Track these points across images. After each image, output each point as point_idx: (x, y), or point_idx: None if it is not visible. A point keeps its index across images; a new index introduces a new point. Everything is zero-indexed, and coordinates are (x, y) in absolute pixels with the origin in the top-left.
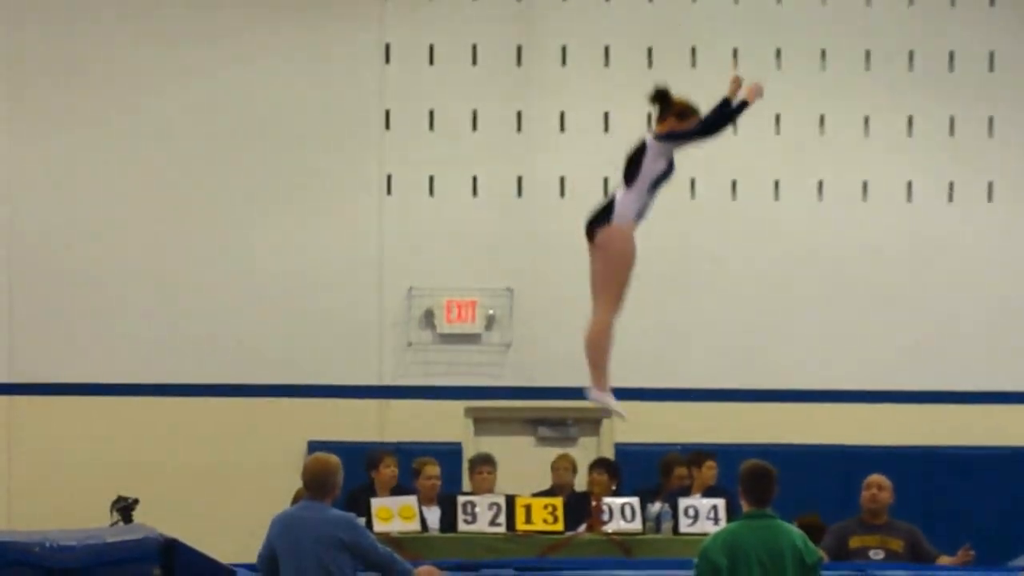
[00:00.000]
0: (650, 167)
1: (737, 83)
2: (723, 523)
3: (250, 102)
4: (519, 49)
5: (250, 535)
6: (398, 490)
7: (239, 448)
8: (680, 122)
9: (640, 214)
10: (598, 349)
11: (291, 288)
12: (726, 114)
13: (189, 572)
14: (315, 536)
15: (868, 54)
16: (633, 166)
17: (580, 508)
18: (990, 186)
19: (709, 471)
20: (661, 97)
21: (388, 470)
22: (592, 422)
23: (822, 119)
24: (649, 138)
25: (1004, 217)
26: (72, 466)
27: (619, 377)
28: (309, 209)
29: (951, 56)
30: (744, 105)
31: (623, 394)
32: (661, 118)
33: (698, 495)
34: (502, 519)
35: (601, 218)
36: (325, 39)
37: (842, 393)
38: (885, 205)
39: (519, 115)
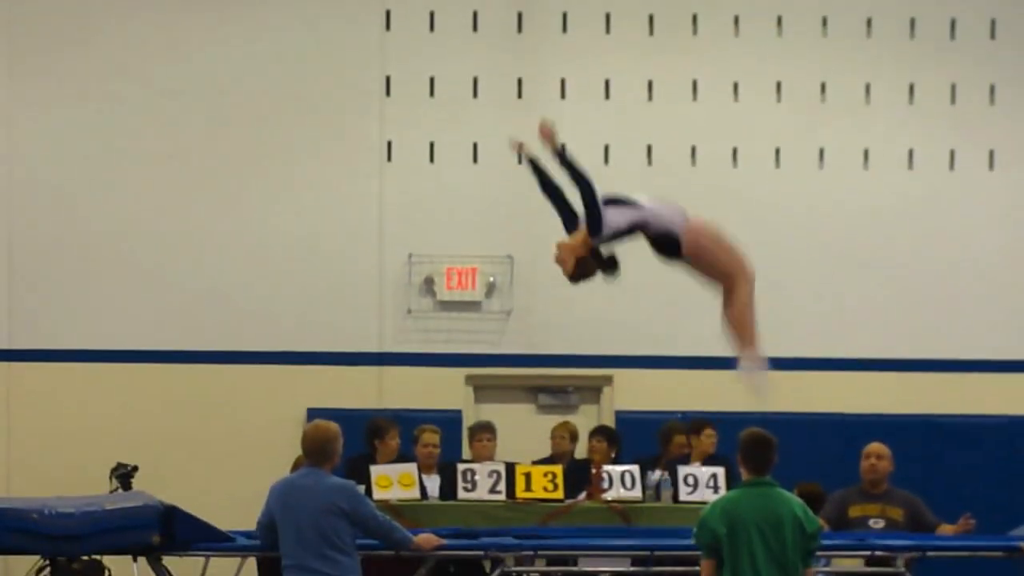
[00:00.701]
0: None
1: (544, 134)
2: (723, 491)
3: (251, 68)
4: (520, 16)
5: (249, 502)
6: (398, 458)
7: (238, 415)
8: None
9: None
10: (746, 319)
11: (291, 254)
12: (568, 168)
13: (188, 539)
14: (314, 503)
15: (869, 21)
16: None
17: (580, 476)
18: (991, 154)
19: (708, 439)
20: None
21: (394, 442)
22: (592, 390)
23: (823, 86)
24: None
25: (1005, 185)
26: (71, 433)
27: (618, 345)
28: (309, 175)
29: (952, 23)
30: (562, 150)
31: (624, 362)
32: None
33: (698, 463)
34: (502, 487)
35: (661, 238)
36: (326, 5)
37: (842, 361)
38: (886, 173)
39: (519, 82)
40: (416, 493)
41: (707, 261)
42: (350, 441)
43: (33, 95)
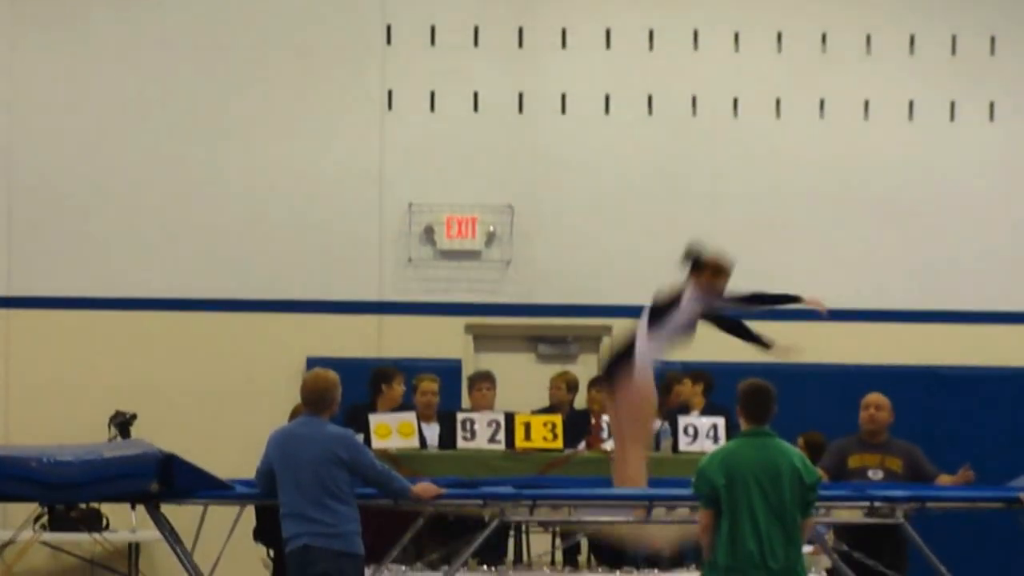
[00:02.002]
0: (679, 318)
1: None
2: (722, 442)
3: (251, 16)
4: None
5: (248, 450)
6: (398, 408)
7: (238, 363)
8: (714, 278)
9: (656, 362)
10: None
11: (292, 203)
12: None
13: (187, 487)
14: (313, 452)
15: None
16: (662, 311)
17: (579, 426)
18: (991, 105)
19: (683, 388)
20: (694, 257)
21: (400, 388)
22: (592, 339)
23: (824, 37)
24: (688, 292)
25: (1005, 136)
26: (70, 381)
27: (617, 294)
28: (310, 124)
29: None
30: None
31: (622, 311)
32: (695, 273)
33: (696, 413)
34: (501, 436)
35: (620, 361)
36: None
37: (842, 312)
38: (886, 124)
39: (520, 31)
40: (415, 442)
41: (625, 412)
42: (350, 389)
43: (34, 43)
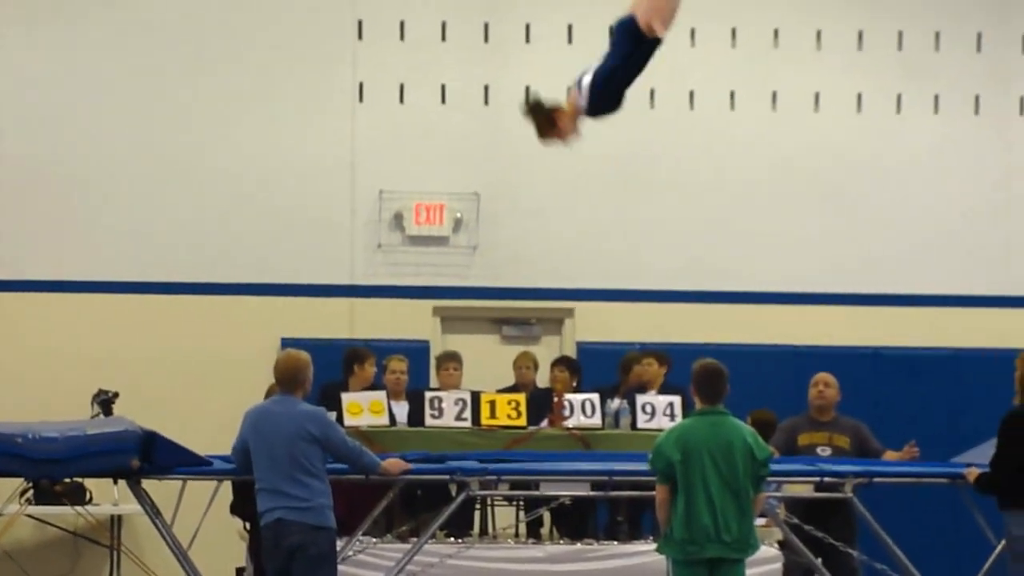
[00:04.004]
0: None
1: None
2: (679, 419)
3: (229, 12)
4: None
5: (225, 428)
6: (369, 388)
7: (215, 344)
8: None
9: None
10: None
11: (267, 190)
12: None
13: (167, 462)
14: (286, 429)
15: None
16: None
17: (542, 404)
18: (936, 98)
19: (648, 368)
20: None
21: (371, 369)
22: (554, 322)
23: (776, 33)
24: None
25: (949, 128)
26: (54, 360)
27: (580, 278)
28: (285, 115)
29: None
30: None
31: (585, 295)
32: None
33: (654, 392)
34: (468, 414)
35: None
36: None
37: (793, 295)
38: (836, 115)
39: (486, 27)
40: (385, 420)
41: None
42: (322, 370)
43: (14, 30)
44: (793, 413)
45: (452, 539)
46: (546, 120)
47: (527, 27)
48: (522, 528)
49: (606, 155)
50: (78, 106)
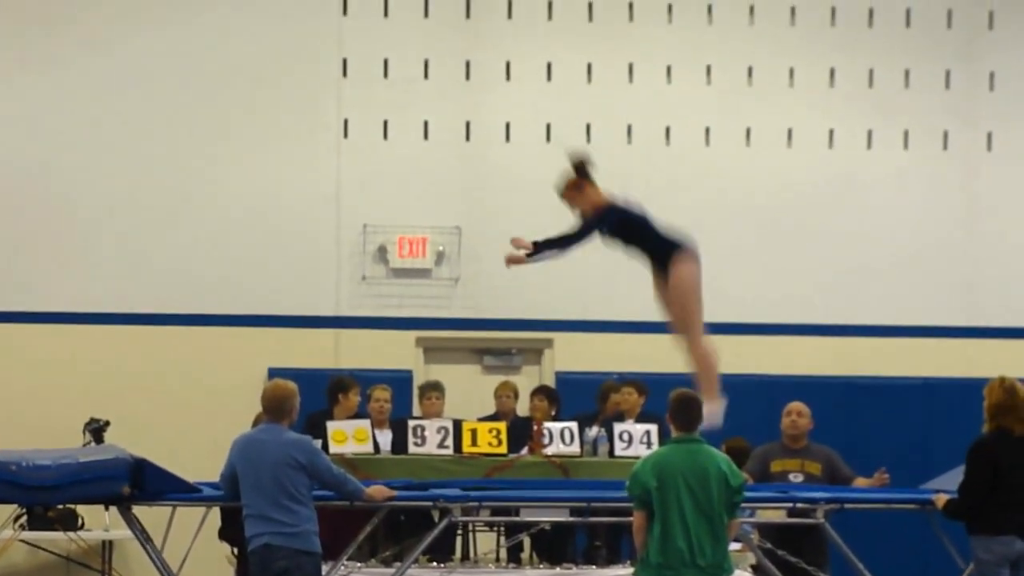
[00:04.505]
0: None
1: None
2: (655, 447)
3: (218, 49)
4: (468, 2)
5: (213, 455)
6: (353, 417)
7: (203, 374)
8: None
9: None
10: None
11: (254, 224)
12: (551, 249)
13: (157, 489)
14: (273, 457)
15: (793, 10)
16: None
17: (522, 432)
18: (906, 134)
19: (627, 397)
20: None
21: (356, 398)
22: (534, 352)
23: (750, 70)
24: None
25: (918, 163)
26: (47, 390)
27: (559, 310)
28: (272, 150)
29: (870, 12)
30: (535, 250)
31: (564, 326)
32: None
33: (631, 420)
34: (449, 442)
35: (665, 251)
36: None
37: (766, 326)
38: (808, 151)
39: (467, 65)
40: (369, 447)
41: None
42: (308, 399)
43: (6, 67)
44: (766, 441)
45: (435, 564)
46: (578, 181)
47: (508, 65)
48: (503, 553)
49: None
50: (70, 142)
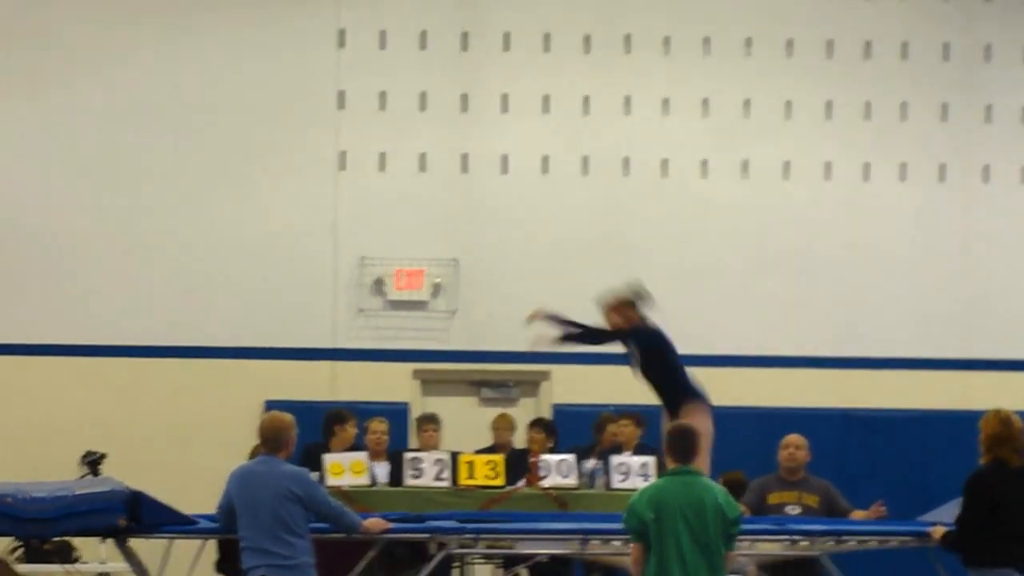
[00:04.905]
0: None
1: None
2: (653, 479)
3: (214, 81)
4: (465, 35)
5: (210, 488)
6: (350, 448)
7: (200, 406)
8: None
9: None
10: None
11: (251, 256)
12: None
13: (153, 521)
14: (270, 489)
15: (790, 43)
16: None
17: (519, 464)
18: (903, 166)
19: (624, 428)
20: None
21: (352, 429)
22: (531, 384)
23: (747, 103)
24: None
25: (915, 195)
26: (44, 422)
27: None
28: (269, 182)
29: (867, 45)
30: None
31: (561, 358)
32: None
33: (629, 452)
34: (446, 474)
35: (680, 393)
36: (285, 24)
37: (763, 358)
38: (806, 183)
39: (464, 97)
40: (366, 480)
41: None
42: (305, 431)
43: (8, 105)
44: (764, 473)
45: None
46: (627, 308)
47: (504, 97)
48: None
49: (581, 222)
50: (65, 175)
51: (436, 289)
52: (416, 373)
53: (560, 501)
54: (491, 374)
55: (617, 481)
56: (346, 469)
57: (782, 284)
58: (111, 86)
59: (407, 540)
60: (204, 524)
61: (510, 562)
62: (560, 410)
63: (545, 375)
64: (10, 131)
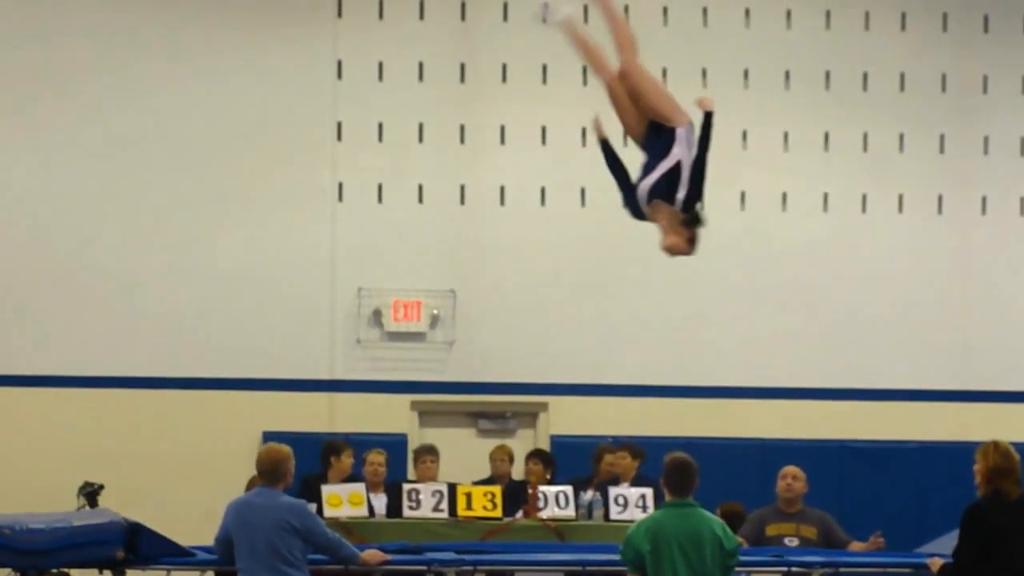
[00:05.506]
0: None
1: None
2: (651, 511)
3: (213, 113)
4: (462, 67)
5: (208, 519)
6: (348, 479)
7: (198, 437)
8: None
9: None
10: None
11: (249, 288)
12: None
13: (151, 553)
14: (268, 521)
15: (787, 74)
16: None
17: (517, 496)
18: (900, 198)
19: (622, 460)
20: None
21: (348, 460)
22: (529, 415)
23: (744, 134)
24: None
25: (913, 226)
26: (41, 453)
27: (554, 374)
28: (267, 214)
29: (865, 76)
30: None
31: (559, 389)
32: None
33: (627, 484)
34: (444, 505)
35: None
36: (282, 56)
37: (761, 390)
38: (803, 215)
39: (462, 128)
40: (364, 511)
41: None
42: (303, 462)
43: (4, 138)
44: (761, 505)
45: None
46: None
47: (502, 129)
48: None
49: (578, 253)
50: (65, 208)
51: (434, 320)
52: (414, 404)
53: (558, 532)
54: (489, 405)
55: (615, 512)
56: (344, 500)
57: (779, 316)
58: (107, 119)
59: (405, 571)
60: (202, 556)
61: None
62: (558, 441)
63: (543, 406)
64: (11, 164)
